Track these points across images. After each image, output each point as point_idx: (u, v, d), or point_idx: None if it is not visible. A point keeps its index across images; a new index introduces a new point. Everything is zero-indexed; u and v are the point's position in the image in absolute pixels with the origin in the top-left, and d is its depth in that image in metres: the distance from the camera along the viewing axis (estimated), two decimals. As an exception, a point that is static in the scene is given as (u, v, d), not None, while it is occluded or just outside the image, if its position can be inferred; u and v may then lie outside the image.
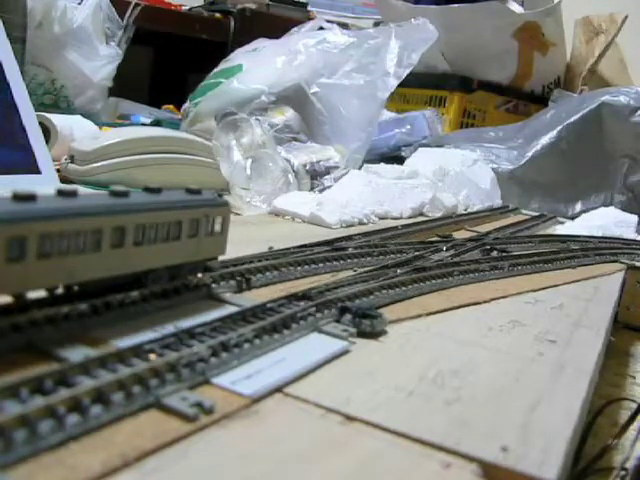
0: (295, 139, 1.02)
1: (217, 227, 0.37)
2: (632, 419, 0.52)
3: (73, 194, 0.31)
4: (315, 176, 0.94)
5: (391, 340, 0.37)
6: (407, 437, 0.26)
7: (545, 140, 1.26)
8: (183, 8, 1.91)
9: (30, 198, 0.28)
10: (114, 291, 0.33)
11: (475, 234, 0.74)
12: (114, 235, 0.31)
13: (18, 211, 0.27)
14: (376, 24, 1.84)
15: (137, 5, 1.45)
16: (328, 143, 1.03)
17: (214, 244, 0.38)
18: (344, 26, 1.49)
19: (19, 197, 0.28)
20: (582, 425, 0.33)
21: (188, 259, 0.36)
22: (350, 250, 0.53)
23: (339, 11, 2.10)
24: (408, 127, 1.36)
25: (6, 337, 0.28)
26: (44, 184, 0.78)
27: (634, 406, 0.54)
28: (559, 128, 1.26)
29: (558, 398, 0.32)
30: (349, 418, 0.27)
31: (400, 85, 1.11)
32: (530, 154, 1.25)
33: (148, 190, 0.35)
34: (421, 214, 0.86)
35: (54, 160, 0.84)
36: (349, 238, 0.59)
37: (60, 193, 0.31)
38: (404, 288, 0.45)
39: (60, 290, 0.30)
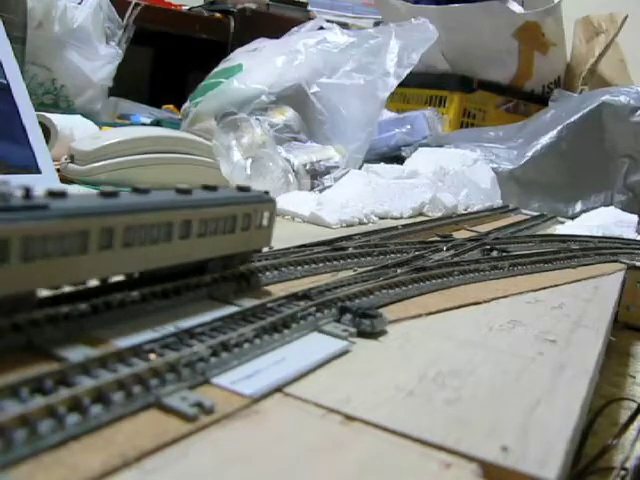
0: (295, 139, 1.02)
1: (264, 221, 0.41)
2: (632, 419, 0.52)
3: (147, 191, 0.35)
4: (315, 176, 0.94)
5: (391, 340, 0.37)
6: (407, 437, 0.26)
7: (545, 140, 1.26)
8: (183, 8, 1.91)
9: (114, 195, 0.32)
10: (179, 277, 0.36)
11: (475, 234, 0.74)
12: (182, 228, 0.35)
13: (107, 206, 0.31)
14: (376, 24, 1.84)
15: (137, 5, 1.45)
16: (328, 143, 1.03)
17: (262, 236, 0.41)
18: (344, 26, 1.49)
19: (105, 194, 0.31)
20: (582, 425, 0.33)
21: (240, 250, 0.40)
22: (350, 250, 0.53)
23: (339, 11, 2.10)
24: (408, 127, 1.36)
25: (6, 337, 0.28)
26: (44, 184, 0.78)
27: (634, 406, 0.54)
28: (559, 128, 1.26)
29: (558, 398, 0.32)
30: (349, 418, 0.27)
31: (400, 85, 1.11)
32: (530, 154, 1.25)
33: (206, 188, 0.38)
34: (421, 214, 0.86)
35: (54, 160, 0.84)
36: (349, 238, 0.59)
37: (135, 190, 0.35)
38: (404, 288, 0.45)
39: (136, 275, 0.34)
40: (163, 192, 0.36)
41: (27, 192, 0.27)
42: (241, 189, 0.41)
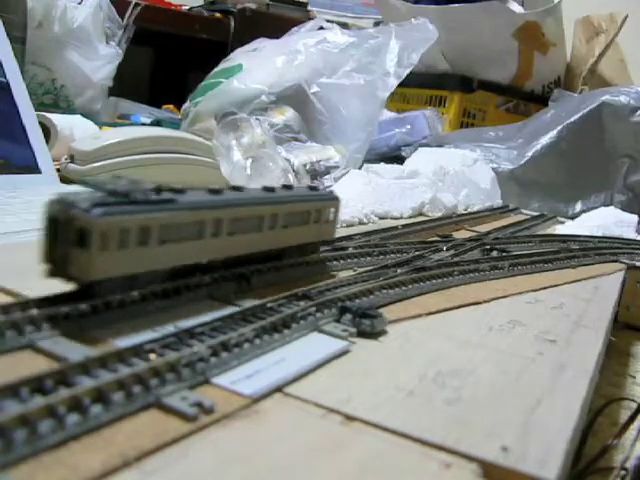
0: (295, 139, 1.02)
1: (331, 216, 0.48)
2: (632, 419, 0.52)
3: (240, 189, 0.40)
4: (315, 176, 0.94)
5: (391, 340, 0.37)
6: (407, 437, 0.26)
7: (545, 140, 1.26)
8: (183, 8, 1.91)
9: (219, 191, 0.38)
10: (264, 262, 0.42)
11: (475, 234, 0.74)
12: (271, 220, 0.41)
13: (216, 200, 0.37)
14: (376, 24, 1.84)
15: (137, 5, 1.45)
16: (328, 143, 1.03)
17: (329, 229, 0.48)
18: (344, 26, 1.49)
19: (212, 191, 0.37)
20: (582, 425, 0.33)
21: (312, 240, 0.47)
22: (350, 250, 0.53)
23: (339, 11, 2.10)
24: (408, 127, 1.36)
25: (6, 337, 0.28)
26: (44, 184, 0.78)
27: (634, 406, 0.54)
28: (559, 128, 1.26)
29: (558, 398, 0.32)
30: (349, 418, 0.27)
31: (400, 85, 1.11)
32: (530, 154, 1.25)
33: (285, 187, 0.44)
34: (421, 214, 0.86)
35: (54, 160, 0.84)
36: (349, 238, 0.59)
37: (233, 188, 0.40)
38: (404, 288, 0.45)
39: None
40: (254, 190, 0.42)
41: (158, 189, 0.33)
42: (312, 188, 0.48)
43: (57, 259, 0.30)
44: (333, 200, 0.48)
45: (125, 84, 1.46)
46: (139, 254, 0.32)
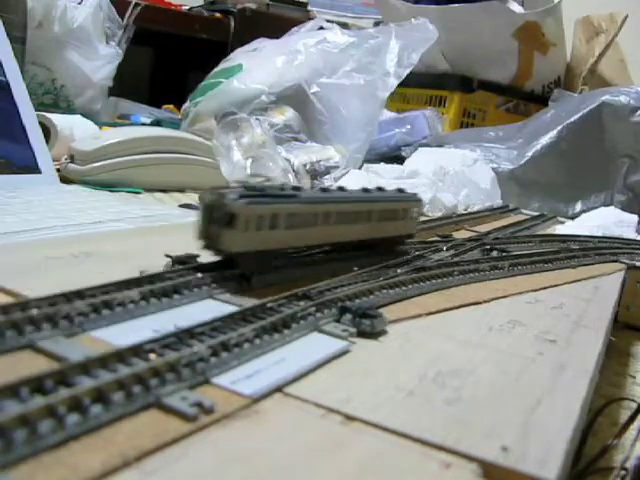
0: (295, 139, 1.02)
1: (414, 215, 0.55)
2: (632, 419, 0.52)
3: (343, 189, 0.50)
4: (315, 176, 0.94)
5: (391, 340, 0.37)
6: (407, 437, 0.26)
7: (545, 140, 1.26)
8: (183, 8, 1.91)
9: (328, 190, 0.48)
10: (358, 249, 0.50)
11: (475, 234, 0.74)
12: (367, 215, 0.49)
13: (326, 197, 0.46)
14: (376, 24, 1.84)
15: (137, 5, 1.45)
16: (328, 143, 1.03)
17: (412, 225, 0.56)
18: (344, 26, 1.49)
19: (323, 189, 0.48)
20: (582, 425, 0.33)
21: (398, 233, 0.55)
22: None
23: (339, 11, 2.10)
24: (408, 127, 1.36)
25: (6, 337, 0.28)
26: (44, 184, 0.78)
27: (634, 406, 0.54)
28: (559, 128, 1.26)
29: (558, 398, 0.32)
30: (349, 418, 0.27)
31: (400, 85, 1.12)
32: (530, 154, 1.25)
33: (379, 189, 0.53)
34: (421, 214, 0.86)
35: (54, 160, 0.84)
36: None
37: (339, 188, 0.50)
38: (404, 288, 0.45)
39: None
40: (355, 190, 0.51)
41: (282, 186, 0.44)
42: (400, 191, 0.56)
43: (210, 236, 0.39)
44: (416, 201, 0.57)
45: (125, 84, 1.46)
46: (270, 235, 0.40)
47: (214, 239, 0.38)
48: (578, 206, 1.23)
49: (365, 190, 0.51)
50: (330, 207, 0.45)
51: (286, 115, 1.06)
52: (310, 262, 0.47)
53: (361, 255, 0.50)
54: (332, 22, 1.29)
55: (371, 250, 0.51)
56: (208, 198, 0.38)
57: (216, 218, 0.38)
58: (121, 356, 0.27)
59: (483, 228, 0.80)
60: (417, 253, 0.56)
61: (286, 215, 0.41)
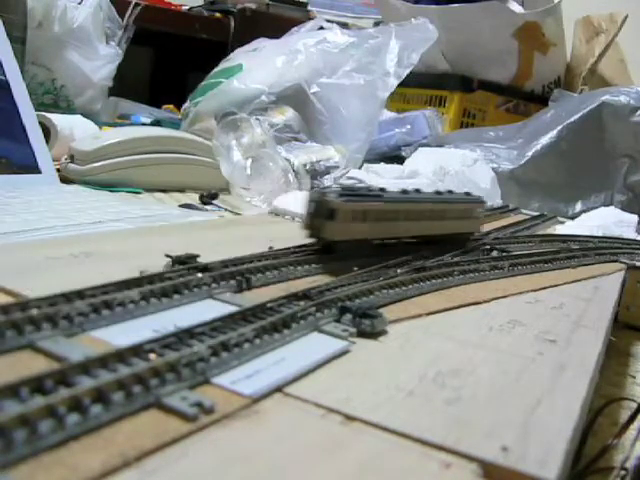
0: (295, 139, 1.02)
1: (479, 215, 0.63)
2: (632, 419, 0.52)
3: (418, 191, 0.57)
4: (315, 176, 0.94)
5: (391, 340, 0.36)
6: (407, 437, 0.26)
7: (545, 140, 1.26)
8: (183, 8, 1.91)
9: (408, 192, 0.55)
10: (436, 243, 0.57)
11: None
12: (440, 213, 0.58)
13: (407, 197, 0.54)
14: (376, 24, 1.84)
15: (137, 5, 1.45)
16: (328, 143, 1.04)
17: (477, 224, 0.64)
18: (344, 26, 1.49)
19: (404, 191, 0.55)
20: (582, 425, 0.33)
21: (465, 231, 0.62)
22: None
23: (339, 11, 2.10)
24: (408, 127, 1.36)
25: (6, 337, 0.28)
26: (44, 184, 0.78)
27: (634, 406, 0.54)
28: (559, 128, 1.26)
29: (558, 398, 0.32)
30: (349, 418, 0.27)
31: (400, 85, 1.12)
32: (530, 154, 1.25)
33: (449, 192, 0.61)
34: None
35: (54, 160, 0.84)
36: (349, 238, 0.59)
37: (416, 190, 0.57)
38: (404, 288, 0.45)
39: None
40: (429, 192, 0.59)
41: (370, 188, 0.52)
42: (467, 194, 0.64)
43: (314, 227, 0.47)
44: (481, 202, 0.64)
45: (125, 84, 1.46)
46: (361, 227, 0.49)
47: (317, 229, 0.47)
48: (578, 206, 1.23)
49: (438, 192, 0.60)
50: (409, 206, 0.54)
51: (286, 115, 1.06)
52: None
53: (435, 248, 0.57)
54: (332, 22, 1.29)
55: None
56: (314, 197, 0.47)
57: (320, 213, 0.47)
58: (121, 356, 0.27)
59: (483, 228, 0.80)
60: (417, 253, 0.56)
61: (374, 211, 0.50)
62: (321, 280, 0.44)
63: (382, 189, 0.52)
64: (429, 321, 0.41)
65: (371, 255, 0.50)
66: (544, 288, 0.54)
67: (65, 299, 0.31)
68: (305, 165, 0.93)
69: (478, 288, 0.51)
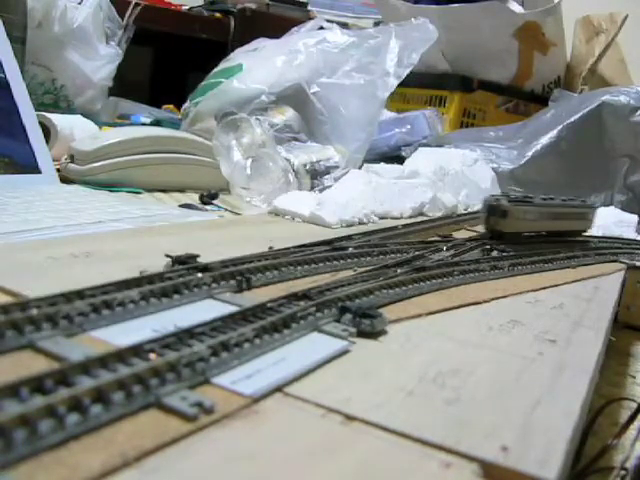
0: (295, 139, 1.02)
1: (591, 217, 0.79)
2: (632, 419, 0.52)
3: (552, 199, 0.73)
4: (315, 176, 0.94)
5: (391, 340, 0.37)
6: (407, 437, 0.26)
7: (545, 140, 1.26)
8: (183, 8, 1.91)
9: (552, 198, 0.72)
10: (560, 236, 0.75)
11: (475, 234, 0.74)
12: (569, 214, 0.75)
13: (549, 203, 0.72)
14: (376, 24, 1.84)
15: (137, 5, 1.45)
16: (328, 143, 1.03)
17: (589, 224, 0.79)
18: (344, 26, 1.49)
19: (545, 198, 0.72)
20: (582, 425, 0.33)
21: (582, 228, 0.78)
22: (350, 250, 0.53)
23: (339, 11, 2.10)
24: (408, 127, 1.36)
25: (6, 337, 0.28)
26: (44, 184, 0.78)
27: (634, 406, 0.54)
28: (559, 128, 1.26)
29: (558, 398, 0.32)
30: (349, 418, 0.27)
31: (400, 85, 1.11)
32: (530, 154, 1.25)
33: (570, 199, 0.76)
34: (421, 214, 0.86)
35: (54, 160, 0.84)
36: (349, 238, 0.59)
37: (550, 198, 0.73)
38: (404, 288, 0.45)
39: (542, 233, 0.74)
40: (559, 199, 0.73)
41: (525, 195, 0.71)
42: (583, 201, 0.80)
43: (491, 223, 0.67)
44: (593, 208, 0.80)
45: (125, 84, 1.46)
46: (522, 223, 0.68)
47: (494, 225, 0.66)
48: (578, 206, 1.23)
49: (564, 199, 0.74)
50: (550, 209, 0.72)
51: (286, 115, 1.06)
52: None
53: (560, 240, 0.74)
54: (332, 22, 1.29)
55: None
56: (490, 201, 0.67)
57: (495, 213, 0.66)
58: (121, 356, 0.27)
59: (483, 228, 0.80)
60: (417, 253, 0.56)
61: (530, 212, 0.68)
62: (321, 280, 0.44)
63: (533, 197, 0.70)
64: (429, 321, 0.41)
65: (522, 243, 0.68)
66: (544, 288, 0.54)
67: (65, 299, 0.31)
68: (305, 165, 0.93)
69: (478, 288, 0.51)
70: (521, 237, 0.70)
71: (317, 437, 0.25)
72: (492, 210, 0.66)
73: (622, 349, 0.71)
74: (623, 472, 0.45)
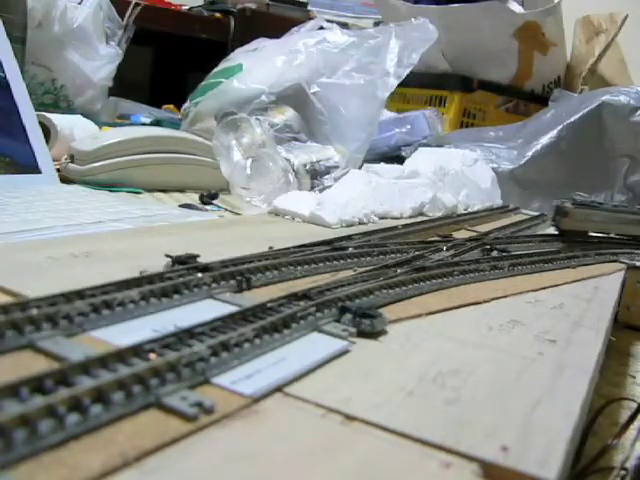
0: (295, 139, 1.02)
1: None
2: (632, 419, 0.52)
3: (617, 206, 0.81)
4: (315, 176, 0.94)
5: (391, 340, 0.37)
6: (407, 437, 0.26)
7: (545, 140, 1.26)
8: (183, 8, 1.91)
9: (601, 204, 0.80)
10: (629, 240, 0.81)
11: (475, 234, 0.74)
12: (627, 220, 0.80)
13: (624, 209, 0.81)
14: (376, 24, 1.84)
15: (137, 5, 1.45)
16: (328, 143, 1.03)
17: None
18: (344, 26, 1.49)
19: (601, 203, 0.81)
20: (582, 425, 0.33)
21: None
22: (350, 250, 0.53)
23: (339, 11, 2.10)
24: (408, 127, 1.36)
25: (6, 337, 0.28)
26: (44, 184, 0.78)
27: (634, 406, 0.54)
28: (559, 128, 1.26)
29: (558, 398, 0.32)
30: (349, 418, 0.27)
31: (400, 85, 1.11)
32: (530, 154, 1.25)
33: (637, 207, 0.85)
34: (421, 214, 0.86)
35: (54, 160, 0.84)
36: (349, 238, 0.59)
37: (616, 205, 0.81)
38: (404, 288, 0.45)
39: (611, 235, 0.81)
40: (619, 203, 0.80)
41: (584, 199, 0.76)
42: (638, 208, 0.85)
43: (557, 221, 0.77)
44: None
45: (125, 84, 1.46)
46: (582, 223, 0.77)
47: (558, 222, 0.77)
48: (578, 206, 1.23)
49: (623, 205, 0.85)
50: (624, 216, 0.79)
51: (286, 115, 1.06)
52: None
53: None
54: (332, 22, 1.29)
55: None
56: (557, 204, 0.77)
57: (560, 213, 0.76)
58: (121, 356, 0.27)
59: (483, 228, 0.80)
60: (417, 253, 0.56)
61: (599, 216, 0.77)
62: (321, 280, 0.44)
63: (599, 202, 0.80)
64: (429, 321, 0.41)
65: (580, 241, 0.75)
66: (544, 288, 0.54)
67: (65, 299, 0.31)
68: (305, 165, 0.93)
69: (478, 288, 0.51)
70: (585, 236, 0.78)
71: (317, 437, 0.25)
72: (559, 211, 0.78)
73: (622, 349, 0.71)
74: (623, 472, 0.45)
